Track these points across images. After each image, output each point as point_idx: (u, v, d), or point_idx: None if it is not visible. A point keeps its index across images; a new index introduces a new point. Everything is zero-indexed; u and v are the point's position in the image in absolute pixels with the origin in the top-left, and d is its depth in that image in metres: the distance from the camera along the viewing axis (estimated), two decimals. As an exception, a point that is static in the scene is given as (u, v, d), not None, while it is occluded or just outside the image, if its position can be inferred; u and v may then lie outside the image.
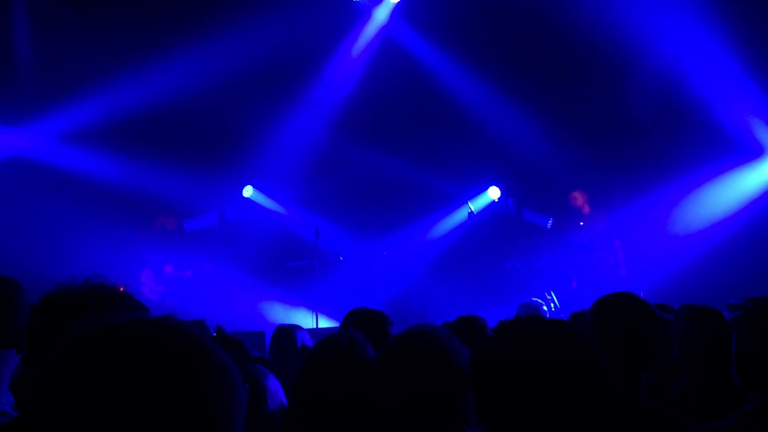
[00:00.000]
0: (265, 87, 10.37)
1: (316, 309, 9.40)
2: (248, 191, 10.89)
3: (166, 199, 9.98)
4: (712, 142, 9.44)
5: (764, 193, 9.50)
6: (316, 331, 7.46)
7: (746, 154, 9.57)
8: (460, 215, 10.59)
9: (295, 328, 4.08)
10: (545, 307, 7.18)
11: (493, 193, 10.80)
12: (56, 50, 9.62)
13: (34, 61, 9.74)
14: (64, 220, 9.93)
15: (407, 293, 10.25)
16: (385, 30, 11.01)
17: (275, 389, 2.89)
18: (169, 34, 9.73)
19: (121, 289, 1.91)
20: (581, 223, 9.46)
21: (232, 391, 0.93)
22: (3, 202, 9.37)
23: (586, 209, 9.38)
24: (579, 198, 9.38)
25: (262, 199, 11.10)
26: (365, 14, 10.99)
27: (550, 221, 9.62)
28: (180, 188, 10.07)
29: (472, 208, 9.76)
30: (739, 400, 2.44)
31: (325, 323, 9.32)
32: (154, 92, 9.64)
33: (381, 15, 10.98)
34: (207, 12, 9.91)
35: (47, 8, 9.59)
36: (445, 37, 10.65)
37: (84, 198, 9.89)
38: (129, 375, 0.86)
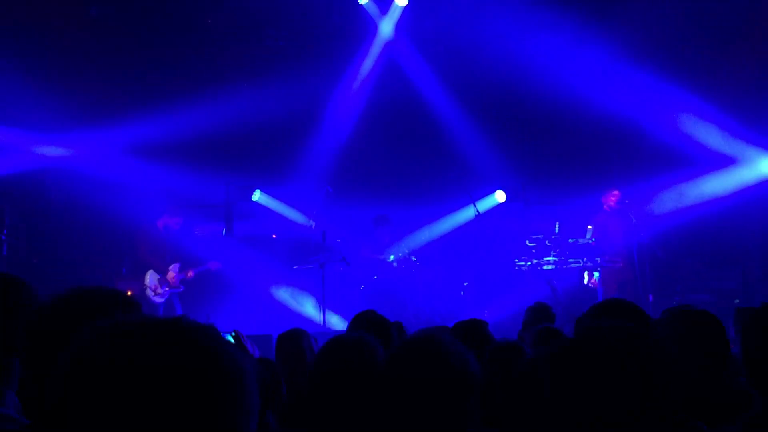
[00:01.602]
0: (280, 114, 10.68)
1: (323, 311, 9.41)
2: (256, 195, 10.96)
3: (172, 199, 9.97)
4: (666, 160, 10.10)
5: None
6: (322, 334, 7.45)
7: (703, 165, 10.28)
8: (467, 213, 10.64)
9: (301, 333, 4.06)
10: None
11: (500, 196, 10.92)
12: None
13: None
14: (76, 222, 10.05)
15: (414, 296, 10.24)
16: (391, 47, 11.29)
17: None
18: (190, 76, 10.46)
19: (129, 293, 1.93)
20: (589, 227, 9.46)
21: (246, 394, 0.95)
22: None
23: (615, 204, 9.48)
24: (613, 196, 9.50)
25: (270, 203, 11.14)
26: (372, 30, 11.16)
27: (557, 224, 9.61)
28: (187, 190, 10.09)
29: (478, 209, 9.82)
30: (740, 403, 2.43)
31: (331, 326, 9.33)
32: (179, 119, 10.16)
33: (386, 27, 11.16)
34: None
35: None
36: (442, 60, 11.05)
37: (93, 200, 10.03)
38: (147, 373, 0.88)
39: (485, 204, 10.87)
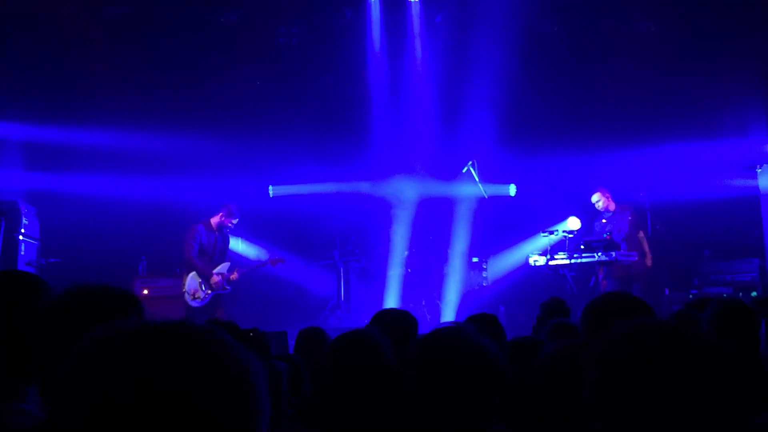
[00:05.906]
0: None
1: (342, 306, 9.43)
2: (271, 191, 11.04)
3: (195, 205, 9.98)
4: None
5: None
6: (336, 330, 7.46)
7: None
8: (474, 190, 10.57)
9: (320, 331, 4.08)
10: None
11: (513, 190, 11.05)
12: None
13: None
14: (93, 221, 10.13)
15: (428, 293, 10.23)
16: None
17: None
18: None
19: (145, 291, 1.94)
20: (603, 220, 9.40)
21: (250, 396, 0.94)
22: None
23: (612, 206, 9.36)
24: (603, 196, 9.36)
25: (287, 190, 11.17)
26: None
27: (570, 218, 9.56)
28: (204, 194, 10.13)
29: (484, 193, 9.86)
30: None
31: (352, 321, 9.35)
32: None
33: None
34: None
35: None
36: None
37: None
38: (142, 383, 0.88)
39: (495, 191, 10.82)
